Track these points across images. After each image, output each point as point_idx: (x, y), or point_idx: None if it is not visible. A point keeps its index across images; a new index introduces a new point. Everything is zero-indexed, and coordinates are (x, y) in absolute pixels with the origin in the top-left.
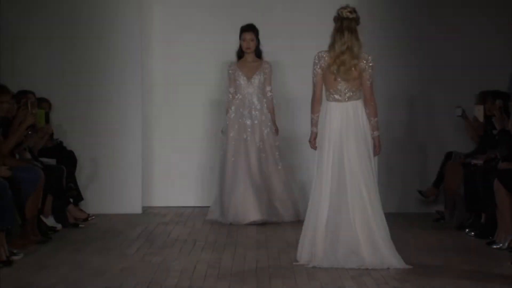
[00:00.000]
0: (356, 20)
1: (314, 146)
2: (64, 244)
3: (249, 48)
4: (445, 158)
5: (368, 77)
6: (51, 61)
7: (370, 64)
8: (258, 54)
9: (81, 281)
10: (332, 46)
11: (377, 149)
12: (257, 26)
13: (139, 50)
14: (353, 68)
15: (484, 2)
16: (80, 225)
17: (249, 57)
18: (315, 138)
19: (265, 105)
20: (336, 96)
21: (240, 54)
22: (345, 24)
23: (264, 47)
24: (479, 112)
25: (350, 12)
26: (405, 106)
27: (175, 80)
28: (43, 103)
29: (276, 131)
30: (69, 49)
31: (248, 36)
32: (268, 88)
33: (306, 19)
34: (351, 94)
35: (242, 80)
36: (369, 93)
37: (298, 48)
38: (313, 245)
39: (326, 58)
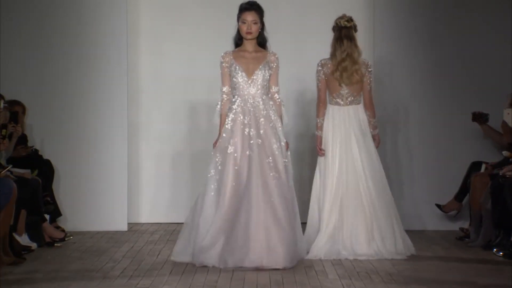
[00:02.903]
0: (354, 28)
1: (321, 153)
2: (39, 266)
3: (250, 32)
4: (469, 169)
5: (368, 81)
6: (23, 58)
7: (370, 70)
8: (262, 42)
9: None
10: (333, 54)
11: (376, 143)
12: None
13: (125, 47)
14: (354, 73)
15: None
16: (56, 244)
17: (250, 45)
18: (321, 143)
19: (273, 108)
20: (338, 100)
21: (239, 41)
22: (344, 32)
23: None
24: (508, 116)
25: (348, 21)
26: (420, 106)
27: (165, 81)
28: (16, 106)
29: (286, 145)
30: (44, 45)
31: (250, 16)
32: (274, 89)
33: (311, 14)
34: (352, 98)
35: (241, 77)
36: (368, 97)
37: (302, 43)
38: (313, 239)
39: (329, 65)
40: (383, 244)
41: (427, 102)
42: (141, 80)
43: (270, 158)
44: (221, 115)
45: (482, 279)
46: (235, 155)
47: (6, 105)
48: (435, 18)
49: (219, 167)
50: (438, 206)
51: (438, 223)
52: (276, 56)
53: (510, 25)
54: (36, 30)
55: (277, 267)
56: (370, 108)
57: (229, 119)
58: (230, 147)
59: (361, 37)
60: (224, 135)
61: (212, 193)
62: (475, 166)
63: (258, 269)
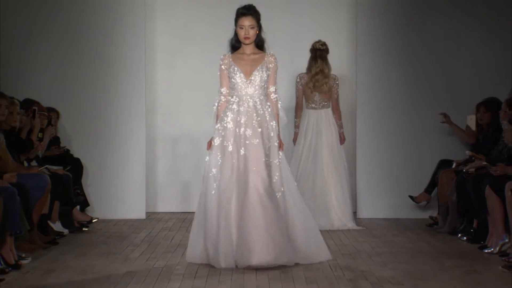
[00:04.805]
0: (327, 50)
1: (295, 144)
2: (70, 249)
3: (248, 37)
4: (438, 166)
5: (336, 91)
6: (57, 71)
7: (337, 82)
8: (260, 44)
9: (86, 285)
10: (309, 69)
11: (342, 140)
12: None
13: (143, 61)
14: (324, 85)
15: (484, 6)
16: (84, 229)
17: (248, 48)
18: (296, 138)
19: (269, 109)
20: (313, 105)
21: (236, 44)
22: (318, 53)
23: None
24: (471, 121)
25: (322, 45)
26: (397, 111)
27: (176, 90)
28: (51, 112)
29: (280, 145)
30: (75, 59)
31: (247, 21)
32: (271, 89)
33: (305, 31)
34: (324, 103)
35: (239, 78)
36: (336, 103)
37: (297, 58)
38: None
39: (305, 78)
40: (338, 217)
41: (403, 107)
42: (157, 89)
43: (266, 158)
44: (217, 116)
45: (448, 260)
46: (233, 154)
47: (41, 111)
48: (410, 34)
49: (219, 166)
50: (411, 197)
51: (411, 212)
52: (274, 56)
53: (473, 42)
54: (69, 49)
55: (259, 265)
56: (336, 111)
57: (228, 118)
58: (230, 146)
59: (345, 50)
60: (222, 133)
61: (213, 192)
62: (442, 163)
63: (252, 267)
